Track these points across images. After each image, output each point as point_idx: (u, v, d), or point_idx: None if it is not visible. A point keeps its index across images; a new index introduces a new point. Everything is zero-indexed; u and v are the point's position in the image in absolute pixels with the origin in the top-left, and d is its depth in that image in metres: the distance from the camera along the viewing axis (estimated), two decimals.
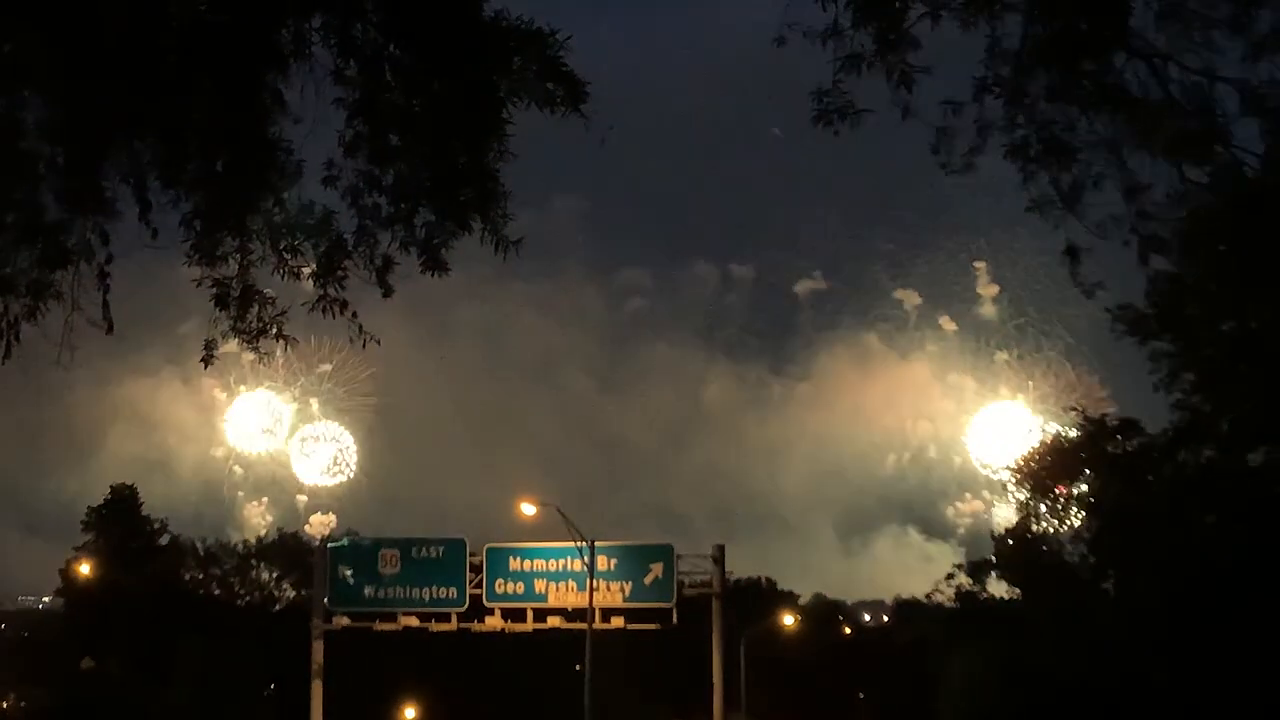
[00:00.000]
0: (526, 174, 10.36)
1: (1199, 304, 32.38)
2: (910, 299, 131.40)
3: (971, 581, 54.63)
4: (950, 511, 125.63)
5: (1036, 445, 50.47)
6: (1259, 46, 10.48)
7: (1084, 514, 46.71)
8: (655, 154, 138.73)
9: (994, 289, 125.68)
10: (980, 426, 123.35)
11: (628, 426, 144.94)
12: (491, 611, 52.04)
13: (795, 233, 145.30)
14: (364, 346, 10.95)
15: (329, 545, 55.59)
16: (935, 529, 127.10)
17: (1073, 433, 49.04)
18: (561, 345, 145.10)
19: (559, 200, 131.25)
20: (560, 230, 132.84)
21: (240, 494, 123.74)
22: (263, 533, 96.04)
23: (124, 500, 76.60)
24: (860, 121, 10.66)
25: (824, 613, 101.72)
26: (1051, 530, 48.47)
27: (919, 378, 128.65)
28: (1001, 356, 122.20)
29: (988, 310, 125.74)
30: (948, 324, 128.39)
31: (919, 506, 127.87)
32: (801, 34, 10.44)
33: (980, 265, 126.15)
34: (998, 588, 53.11)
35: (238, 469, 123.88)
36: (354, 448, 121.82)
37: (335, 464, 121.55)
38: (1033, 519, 49.18)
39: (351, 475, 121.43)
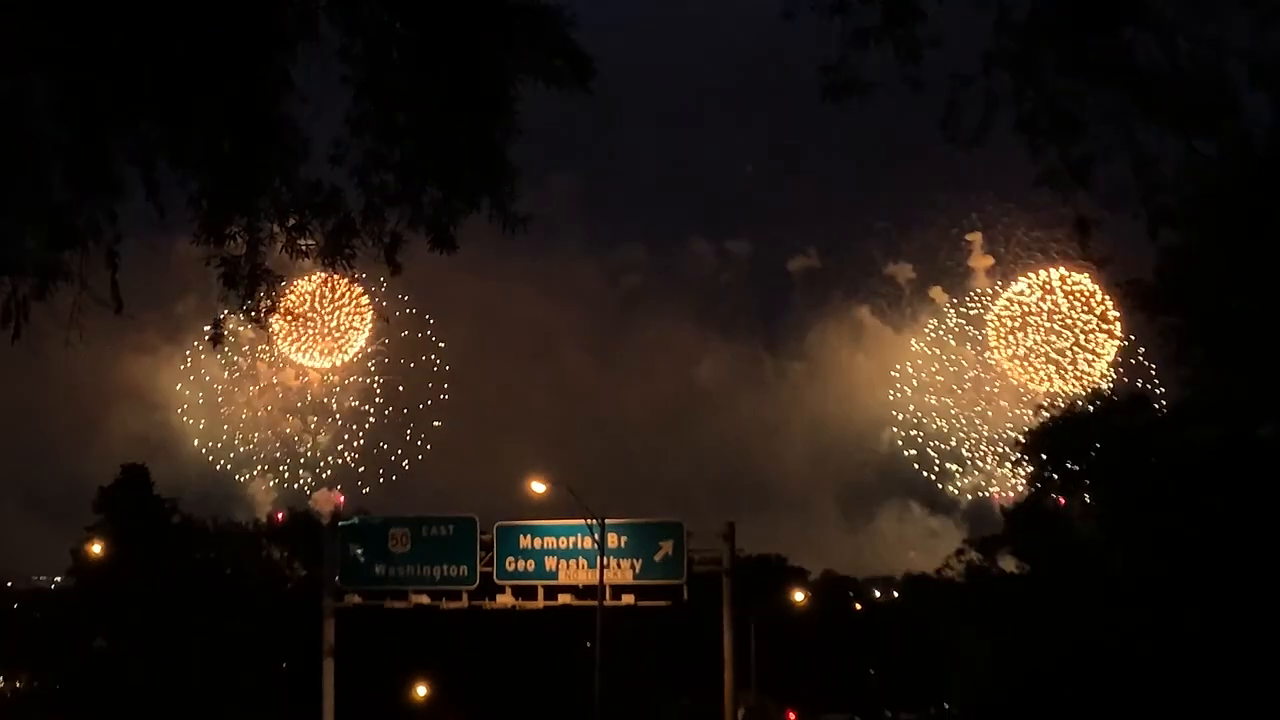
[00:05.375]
0: (523, 150, 10.36)
1: (1209, 277, 32.27)
2: (903, 273, 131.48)
3: (981, 557, 54.67)
4: (952, 486, 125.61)
5: (1045, 420, 50.38)
6: (1268, 18, 10.42)
7: (1094, 489, 46.68)
8: (652, 130, 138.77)
9: (988, 261, 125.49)
10: (981, 400, 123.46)
11: (625, 404, 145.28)
12: (502, 589, 52.08)
13: (790, 209, 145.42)
14: (372, 324, 10.99)
15: (339, 524, 55.67)
16: (938, 503, 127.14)
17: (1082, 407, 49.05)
18: (558, 322, 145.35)
19: (556, 176, 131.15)
20: (557, 206, 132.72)
21: (245, 475, 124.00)
22: (270, 509, 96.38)
23: (135, 480, 76.76)
24: (869, 96, 10.64)
25: (834, 589, 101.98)
26: (1061, 505, 48.46)
27: (914, 352, 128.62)
28: (996, 330, 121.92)
29: (981, 283, 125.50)
30: (941, 297, 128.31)
31: (920, 481, 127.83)
32: (810, 7, 10.41)
33: (974, 238, 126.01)
34: (1008, 563, 53.13)
35: (241, 447, 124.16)
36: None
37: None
38: (1042, 494, 49.18)
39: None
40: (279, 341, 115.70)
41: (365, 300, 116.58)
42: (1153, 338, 36.48)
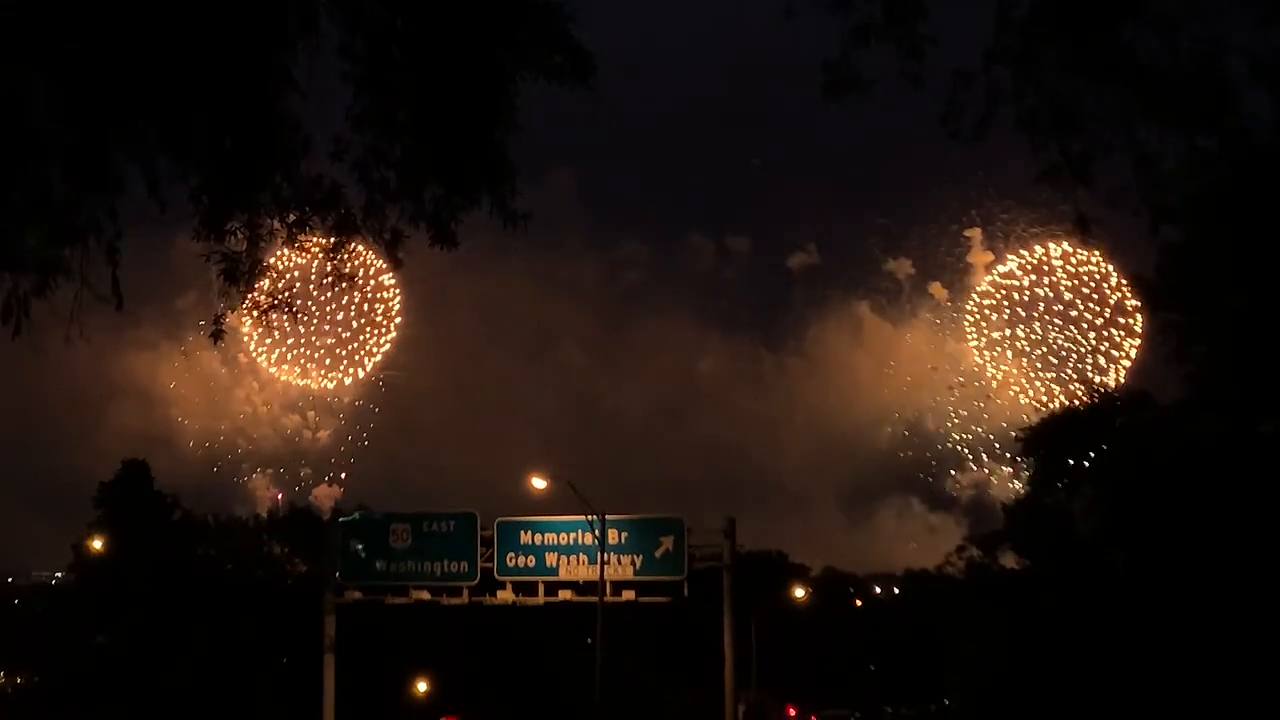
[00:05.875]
0: (524, 146, 10.38)
1: (1210, 274, 32.26)
2: (903, 269, 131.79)
3: (982, 554, 54.69)
4: (951, 482, 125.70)
5: (1045, 416, 50.41)
6: (1269, 15, 10.41)
7: (1094, 485, 46.68)
8: (651, 126, 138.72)
9: (987, 257, 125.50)
10: (980, 397, 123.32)
11: (626, 400, 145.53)
12: (503, 585, 52.06)
13: (789, 206, 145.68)
14: (374, 320, 11.03)
15: (340, 520, 55.68)
16: (937, 500, 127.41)
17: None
18: (558, 318, 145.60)
19: (556, 173, 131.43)
20: (558, 203, 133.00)
21: (246, 472, 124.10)
22: (270, 497, 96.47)
23: (135, 475, 76.76)
24: (870, 93, 10.65)
25: (835, 585, 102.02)
26: (1061, 501, 48.47)
27: (912, 348, 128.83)
28: (994, 325, 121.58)
29: (981, 279, 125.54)
30: (939, 293, 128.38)
31: (919, 478, 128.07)
32: (811, 4, 10.41)
33: (973, 234, 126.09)
34: (1009, 560, 53.17)
35: (241, 447, 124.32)
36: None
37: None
38: (1042, 491, 49.19)
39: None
40: (285, 373, 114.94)
41: (389, 280, 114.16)
42: (1154, 334, 36.44)
